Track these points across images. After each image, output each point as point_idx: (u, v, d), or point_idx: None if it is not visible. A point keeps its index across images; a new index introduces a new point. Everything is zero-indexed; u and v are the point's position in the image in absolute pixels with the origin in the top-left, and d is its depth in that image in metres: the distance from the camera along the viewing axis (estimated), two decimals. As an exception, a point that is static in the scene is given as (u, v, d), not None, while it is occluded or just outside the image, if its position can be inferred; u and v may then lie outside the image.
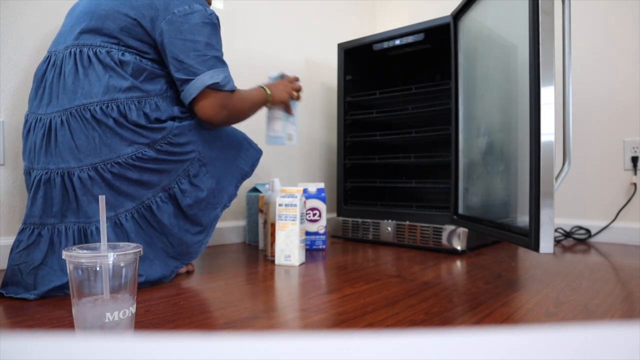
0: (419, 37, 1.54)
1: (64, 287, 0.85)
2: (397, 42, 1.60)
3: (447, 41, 1.45)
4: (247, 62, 1.65)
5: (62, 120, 0.88)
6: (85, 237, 0.88)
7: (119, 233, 0.90)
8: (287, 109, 1.21)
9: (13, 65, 1.11)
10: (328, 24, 2.01)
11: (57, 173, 0.87)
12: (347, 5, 2.12)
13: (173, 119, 0.95)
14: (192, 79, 0.91)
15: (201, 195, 0.98)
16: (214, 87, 0.93)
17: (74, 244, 0.87)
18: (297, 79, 1.23)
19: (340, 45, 1.75)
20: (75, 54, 0.90)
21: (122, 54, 0.90)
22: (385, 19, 2.29)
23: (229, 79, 0.96)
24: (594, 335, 0.16)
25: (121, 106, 0.89)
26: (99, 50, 0.89)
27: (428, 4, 2.11)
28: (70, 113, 0.87)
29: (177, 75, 0.92)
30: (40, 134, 0.89)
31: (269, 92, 1.12)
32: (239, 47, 1.62)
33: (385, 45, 1.63)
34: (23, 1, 1.12)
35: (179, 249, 0.98)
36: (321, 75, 1.97)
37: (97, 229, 0.88)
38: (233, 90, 0.97)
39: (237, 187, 1.08)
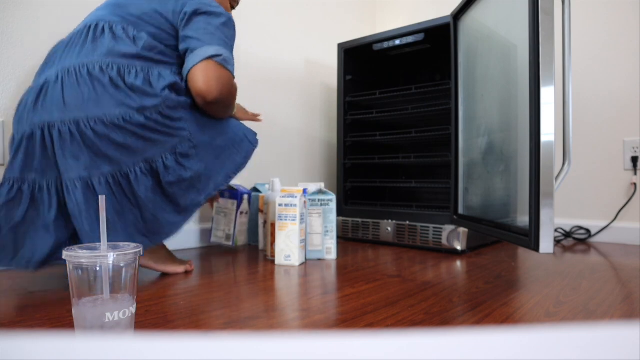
0: (419, 37, 1.54)
1: (56, 254, 0.84)
2: (397, 42, 1.60)
3: (447, 41, 1.45)
4: (247, 61, 1.65)
5: (57, 77, 0.86)
6: (63, 195, 0.85)
7: (89, 196, 0.85)
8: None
9: (13, 66, 1.11)
10: (328, 24, 2.01)
11: (39, 127, 0.85)
12: (347, 5, 2.12)
13: (171, 87, 0.91)
14: (197, 49, 0.91)
15: (185, 175, 0.93)
16: (217, 60, 0.92)
17: (58, 201, 0.85)
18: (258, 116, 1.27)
19: (340, 45, 1.75)
20: (91, 27, 0.91)
21: (138, 32, 0.91)
22: (385, 19, 2.29)
23: (232, 62, 0.96)
24: (594, 335, 0.16)
25: (122, 69, 0.87)
26: (116, 26, 0.91)
27: (428, 4, 2.11)
28: (68, 71, 0.86)
29: (183, 46, 0.93)
30: (33, 94, 0.88)
31: (236, 107, 1.18)
32: (239, 47, 1.62)
33: (385, 45, 1.63)
34: (23, 1, 1.12)
35: (150, 225, 0.92)
36: (321, 75, 1.97)
37: (67, 187, 0.85)
38: (232, 73, 0.97)
39: (228, 177, 1.02)
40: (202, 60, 0.91)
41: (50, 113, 0.85)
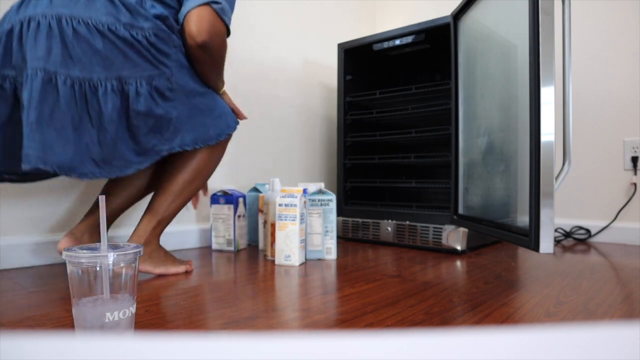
0: (419, 37, 1.54)
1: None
2: (397, 42, 1.60)
3: (447, 41, 1.45)
4: (247, 61, 1.65)
5: None
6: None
7: (47, 90, 0.80)
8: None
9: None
10: (328, 24, 2.01)
11: (19, 21, 0.82)
12: (347, 5, 2.12)
13: (163, 19, 0.90)
14: None
15: (155, 109, 0.89)
16: (214, 7, 0.92)
17: (39, 96, 0.80)
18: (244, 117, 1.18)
19: (340, 45, 1.75)
20: None
21: None
22: (385, 19, 2.29)
23: (229, 14, 0.95)
24: (594, 335, 0.16)
25: None
26: None
27: (428, 4, 2.11)
28: None
29: None
30: (19, 2, 0.85)
31: (224, 88, 1.11)
32: (239, 47, 1.62)
33: (385, 45, 1.63)
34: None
35: (106, 152, 0.86)
36: (321, 75, 1.97)
37: (28, 75, 0.79)
38: (227, 26, 0.96)
39: (195, 142, 0.97)
40: (200, 5, 0.91)
41: (35, 8, 0.82)
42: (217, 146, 1.04)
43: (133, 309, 0.55)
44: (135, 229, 1.01)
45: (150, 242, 1.01)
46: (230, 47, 1.58)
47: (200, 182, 1.05)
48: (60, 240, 0.98)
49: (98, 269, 0.52)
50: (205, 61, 0.96)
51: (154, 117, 0.89)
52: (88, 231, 1.02)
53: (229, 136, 1.06)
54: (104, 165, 0.87)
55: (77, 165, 0.83)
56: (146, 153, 0.92)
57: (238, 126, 1.09)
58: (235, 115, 1.10)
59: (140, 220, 1.02)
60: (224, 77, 1.08)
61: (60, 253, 0.95)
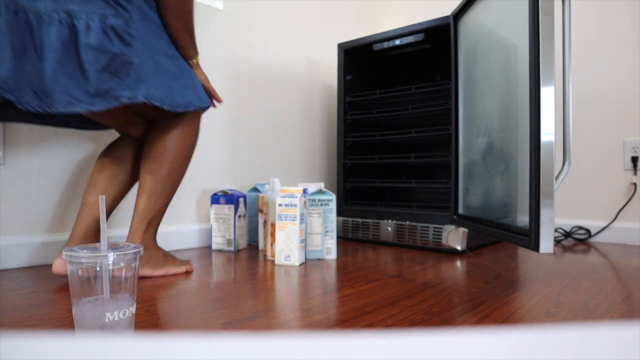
0: (419, 37, 1.54)
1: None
2: (397, 42, 1.60)
3: (447, 41, 1.45)
4: (248, 62, 1.65)
5: None
6: None
7: None
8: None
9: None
10: (328, 24, 2.01)
11: None
12: (347, 5, 2.12)
13: None
14: None
15: (110, 47, 0.83)
16: None
17: None
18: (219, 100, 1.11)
19: (340, 45, 1.75)
20: None
21: None
22: (385, 19, 2.29)
23: None
24: (594, 335, 0.16)
25: None
26: None
27: (428, 4, 2.11)
28: None
29: None
30: None
31: (199, 57, 1.05)
32: (240, 47, 1.62)
33: (385, 45, 1.63)
34: None
35: (47, 83, 0.80)
36: (321, 75, 1.97)
37: None
38: None
39: (162, 101, 0.90)
40: None
41: None
42: (187, 127, 1.00)
43: (133, 309, 0.55)
44: (129, 235, 0.99)
45: (147, 245, 1.00)
46: (233, 47, 1.58)
47: (180, 172, 1.02)
48: (54, 262, 0.95)
49: (98, 269, 0.52)
50: (168, 5, 0.92)
51: (108, 53, 0.84)
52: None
53: (199, 111, 1.01)
54: (44, 97, 0.81)
55: (14, 88, 0.78)
56: (102, 95, 0.84)
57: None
58: (209, 96, 1.04)
59: (131, 225, 0.99)
60: (196, 45, 1.02)
61: (56, 273, 0.94)
